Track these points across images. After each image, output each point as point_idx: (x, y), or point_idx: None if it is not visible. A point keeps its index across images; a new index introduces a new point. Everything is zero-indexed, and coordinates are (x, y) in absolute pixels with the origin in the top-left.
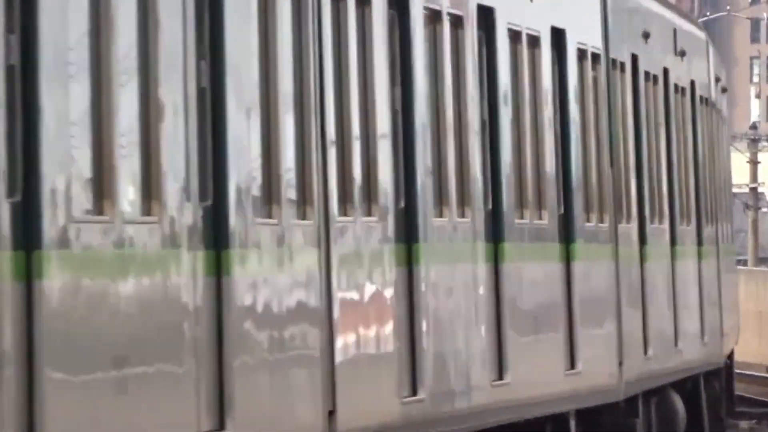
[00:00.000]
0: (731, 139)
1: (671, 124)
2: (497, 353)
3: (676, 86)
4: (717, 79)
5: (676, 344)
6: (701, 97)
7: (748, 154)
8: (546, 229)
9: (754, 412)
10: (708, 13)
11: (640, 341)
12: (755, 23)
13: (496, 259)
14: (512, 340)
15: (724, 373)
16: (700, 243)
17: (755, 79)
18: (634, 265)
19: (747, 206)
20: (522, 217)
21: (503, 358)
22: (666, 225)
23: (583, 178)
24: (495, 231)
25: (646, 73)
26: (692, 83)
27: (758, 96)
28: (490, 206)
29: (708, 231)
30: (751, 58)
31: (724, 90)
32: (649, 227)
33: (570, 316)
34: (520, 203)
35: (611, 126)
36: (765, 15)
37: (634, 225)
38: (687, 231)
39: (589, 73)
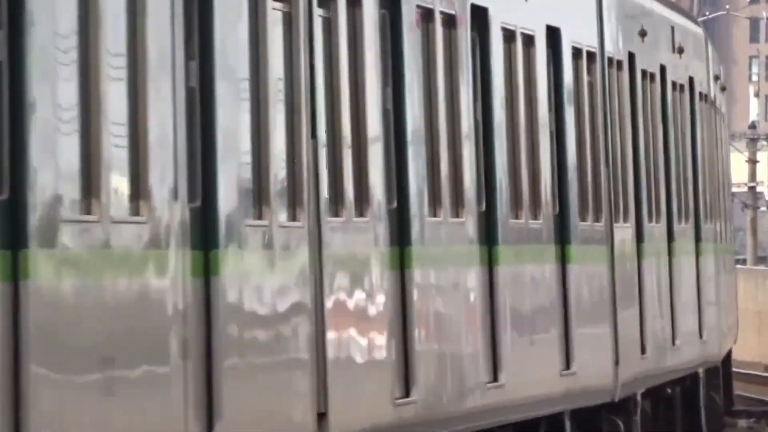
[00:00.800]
0: (731, 138)
1: (490, 83)
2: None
3: (509, 33)
4: (643, 33)
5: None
6: (578, 49)
7: (746, 153)
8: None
9: (753, 411)
10: (707, 13)
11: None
12: (754, 23)
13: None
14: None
15: (636, 405)
16: (564, 241)
17: (754, 78)
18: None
19: (746, 205)
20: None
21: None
22: (467, 218)
23: (286, 155)
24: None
25: (427, 13)
26: (553, 31)
27: (757, 95)
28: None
29: (584, 227)
30: (750, 58)
31: (680, 50)
32: (429, 221)
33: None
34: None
35: (313, 83)
36: (764, 14)
37: (377, 221)
38: (525, 226)
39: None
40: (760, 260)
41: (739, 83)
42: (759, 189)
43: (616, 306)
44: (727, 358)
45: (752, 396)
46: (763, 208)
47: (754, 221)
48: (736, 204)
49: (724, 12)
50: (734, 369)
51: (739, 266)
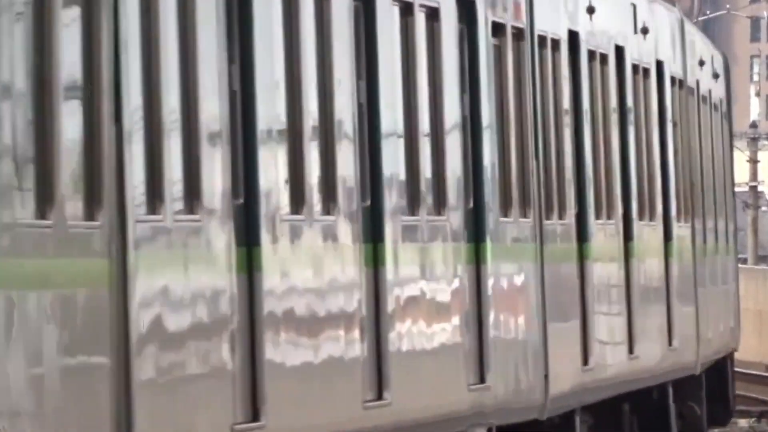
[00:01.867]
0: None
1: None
2: None
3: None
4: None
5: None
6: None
7: (747, 153)
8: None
9: (754, 410)
10: (708, 12)
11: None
12: (755, 22)
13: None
14: None
15: None
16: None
17: (755, 77)
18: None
19: (746, 205)
20: None
21: None
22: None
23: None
24: None
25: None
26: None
27: (758, 94)
28: None
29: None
30: (751, 57)
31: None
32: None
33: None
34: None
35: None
36: (765, 14)
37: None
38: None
39: None
40: (760, 260)
41: (740, 83)
42: (760, 188)
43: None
44: (729, 359)
45: (753, 396)
46: (764, 208)
47: (755, 221)
48: (737, 204)
49: (725, 11)
50: (735, 369)
51: (740, 266)
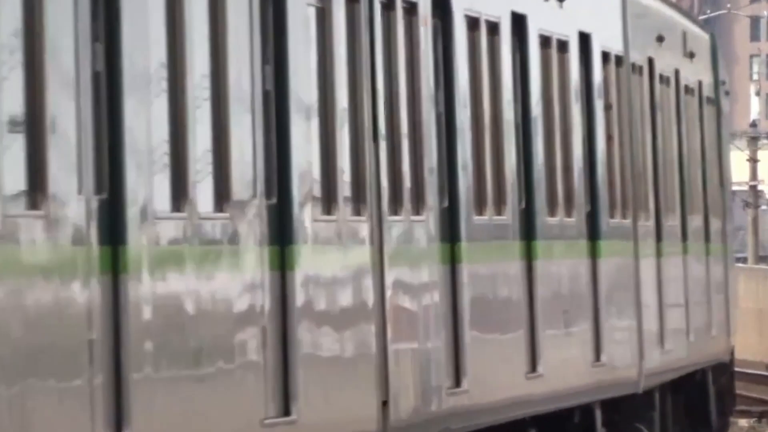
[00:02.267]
0: (731, 136)
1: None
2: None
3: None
4: None
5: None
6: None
7: (747, 152)
8: None
9: (754, 410)
10: (708, 11)
11: None
12: (755, 21)
13: None
14: None
15: None
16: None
17: (755, 76)
18: None
19: (747, 204)
20: None
21: None
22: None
23: None
24: None
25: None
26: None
27: (758, 94)
28: None
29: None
30: (751, 56)
31: None
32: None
33: None
34: None
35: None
36: (765, 13)
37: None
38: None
39: None
40: (761, 259)
41: (741, 82)
42: (760, 188)
43: None
44: (721, 371)
45: (753, 396)
46: (764, 207)
47: (755, 220)
48: (737, 203)
49: (725, 11)
50: (735, 368)
51: (740, 265)
